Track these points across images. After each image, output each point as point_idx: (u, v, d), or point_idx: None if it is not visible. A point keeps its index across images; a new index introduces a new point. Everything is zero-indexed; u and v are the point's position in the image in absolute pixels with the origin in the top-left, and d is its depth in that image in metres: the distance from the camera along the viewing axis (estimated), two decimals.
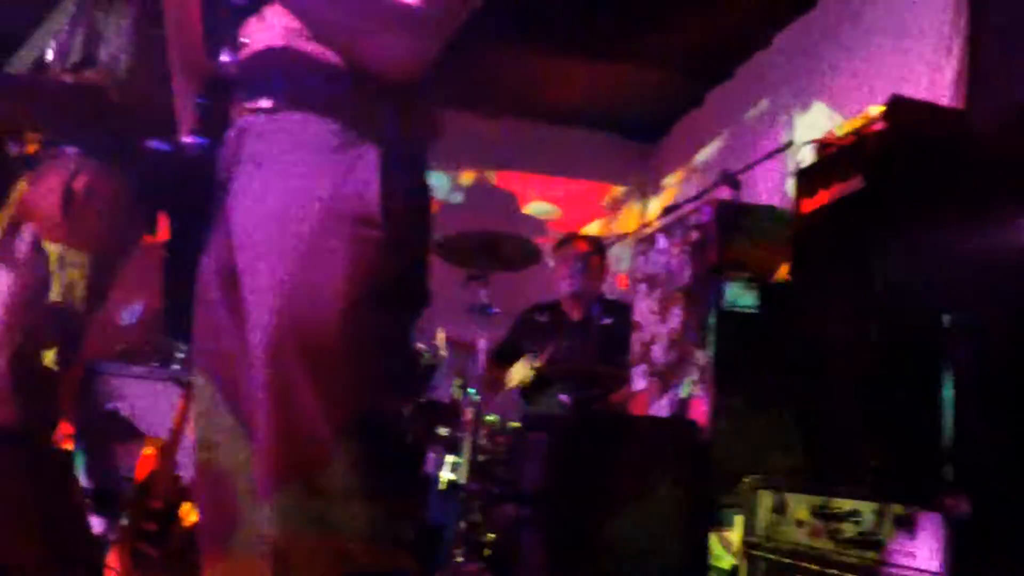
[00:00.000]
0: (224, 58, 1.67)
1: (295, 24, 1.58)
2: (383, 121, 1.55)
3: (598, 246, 4.91)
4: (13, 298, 2.14)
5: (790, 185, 4.52)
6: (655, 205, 6.84)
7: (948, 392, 2.04)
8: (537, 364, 4.44)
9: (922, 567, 1.85)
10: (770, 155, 4.31)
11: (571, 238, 5.02)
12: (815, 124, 4.65)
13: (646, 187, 7.12)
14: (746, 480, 2.52)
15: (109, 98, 2.23)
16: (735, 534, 2.75)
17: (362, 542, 1.44)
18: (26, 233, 2.21)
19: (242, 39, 1.67)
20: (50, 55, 2.33)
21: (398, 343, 1.58)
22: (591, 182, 7.24)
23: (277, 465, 1.46)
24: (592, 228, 6.85)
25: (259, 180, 1.57)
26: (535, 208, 7.04)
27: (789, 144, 4.43)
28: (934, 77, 4.01)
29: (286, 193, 1.53)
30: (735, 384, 3.06)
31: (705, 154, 6.17)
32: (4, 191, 2.28)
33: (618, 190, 7.24)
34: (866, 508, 2.02)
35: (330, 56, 1.55)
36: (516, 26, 4.79)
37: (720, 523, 2.98)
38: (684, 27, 5.36)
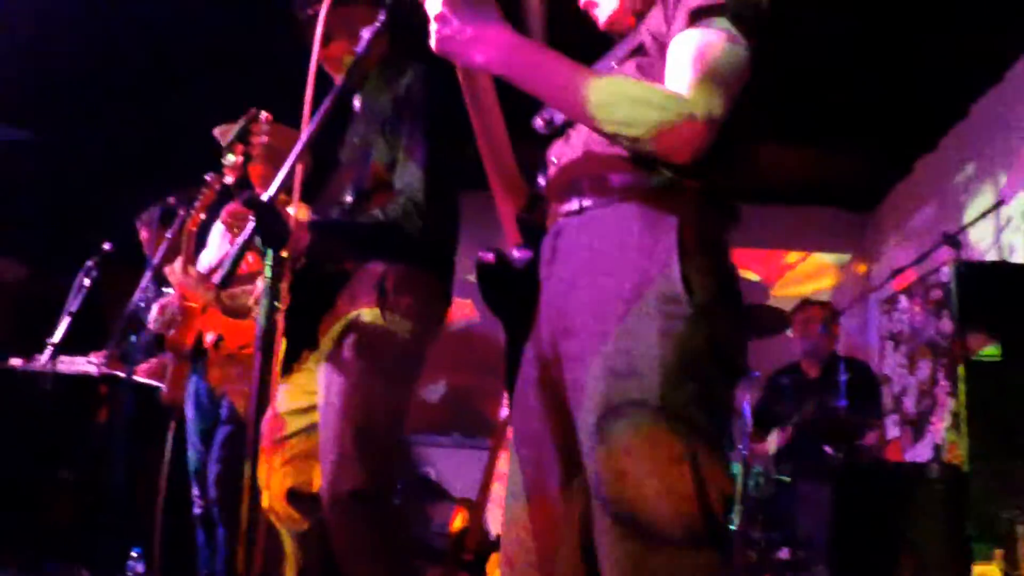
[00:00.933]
0: (539, 181, 1.83)
1: (591, 136, 1.67)
2: (681, 207, 1.59)
3: (831, 311, 5.40)
4: (348, 398, 2.40)
5: (1004, 239, 4.87)
6: (876, 269, 6.94)
7: None
8: (786, 434, 4.83)
9: None
10: (984, 215, 4.61)
11: (807, 304, 5.50)
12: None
13: (866, 253, 7.20)
14: (1004, 515, 2.71)
15: (409, 229, 2.38)
16: (995, 567, 2.88)
17: None
18: (349, 339, 2.44)
19: (551, 160, 1.79)
20: (353, 192, 2.52)
21: (717, 415, 1.56)
22: (807, 252, 7.45)
23: (616, 538, 1.48)
24: (817, 294, 6.95)
25: (573, 273, 1.64)
26: (753, 278, 7.30)
27: (999, 203, 4.71)
28: None
29: (597, 281, 1.59)
30: (987, 428, 3.13)
31: (920, 218, 6.26)
32: (327, 303, 2.53)
33: (837, 257, 7.40)
34: None
35: (623, 153, 1.61)
36: None
37: (979, 557, 3.03)
38: (883, 107, 5.55)
